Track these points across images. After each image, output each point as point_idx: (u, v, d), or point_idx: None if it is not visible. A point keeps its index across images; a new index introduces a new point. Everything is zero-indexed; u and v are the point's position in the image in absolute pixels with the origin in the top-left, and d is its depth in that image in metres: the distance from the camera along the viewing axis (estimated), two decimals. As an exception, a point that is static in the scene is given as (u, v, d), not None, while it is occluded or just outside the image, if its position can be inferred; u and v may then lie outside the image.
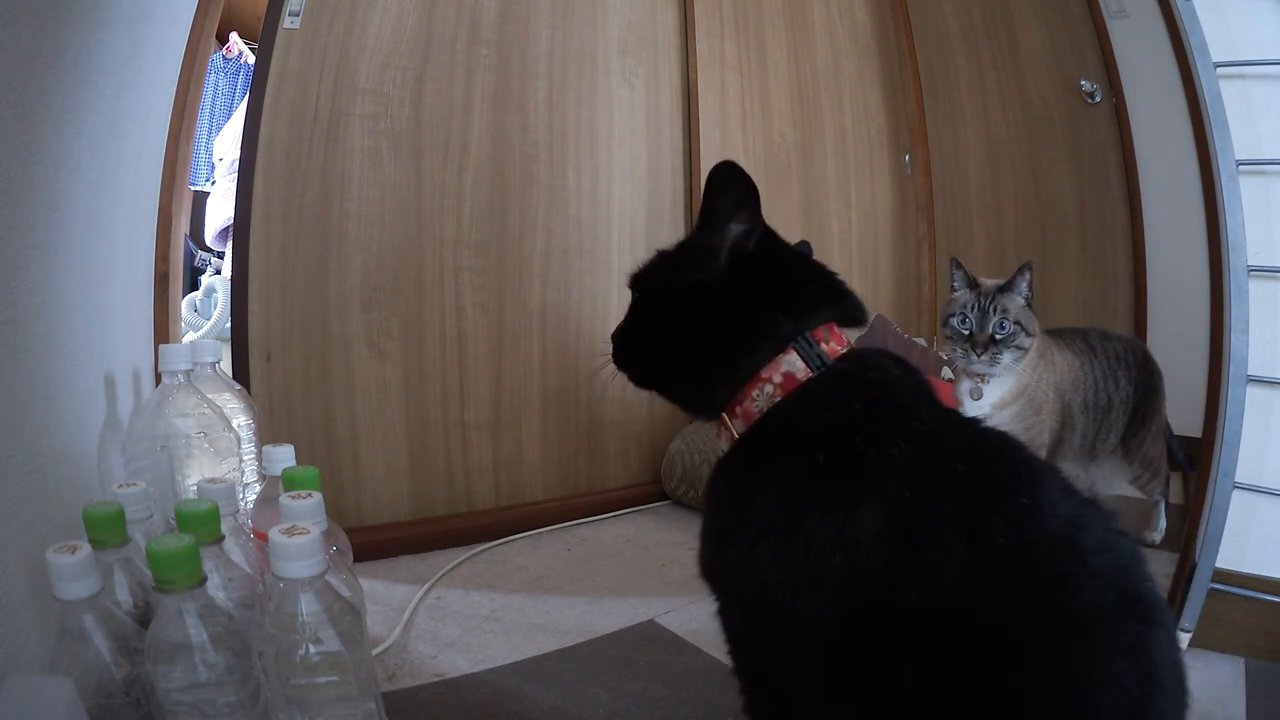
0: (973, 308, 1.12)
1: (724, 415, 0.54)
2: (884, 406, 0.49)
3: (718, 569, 0.52)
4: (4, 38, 0.55)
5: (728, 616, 0.53)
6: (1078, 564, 0.43)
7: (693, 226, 0.57)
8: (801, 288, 0.54)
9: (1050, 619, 0.41)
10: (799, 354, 0.51)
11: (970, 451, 0.48)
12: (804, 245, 0.60)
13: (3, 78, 0.55)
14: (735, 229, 0.53)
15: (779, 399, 0.51)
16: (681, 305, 0.55)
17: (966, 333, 1.12)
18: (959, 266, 1.17)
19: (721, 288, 0.53)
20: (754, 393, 0.52)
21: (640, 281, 0.60)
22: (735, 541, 0.49)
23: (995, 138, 2.24)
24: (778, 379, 0.51)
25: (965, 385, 1.18)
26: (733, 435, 0.53)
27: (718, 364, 0.53)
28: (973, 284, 1.15)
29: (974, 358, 1.12)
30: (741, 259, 0.53)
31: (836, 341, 0.53)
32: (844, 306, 0.55)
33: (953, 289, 1.18)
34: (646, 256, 0.62)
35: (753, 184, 0.53)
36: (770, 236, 0.56)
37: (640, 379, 0.60)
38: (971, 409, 1.16)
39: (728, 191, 0.53)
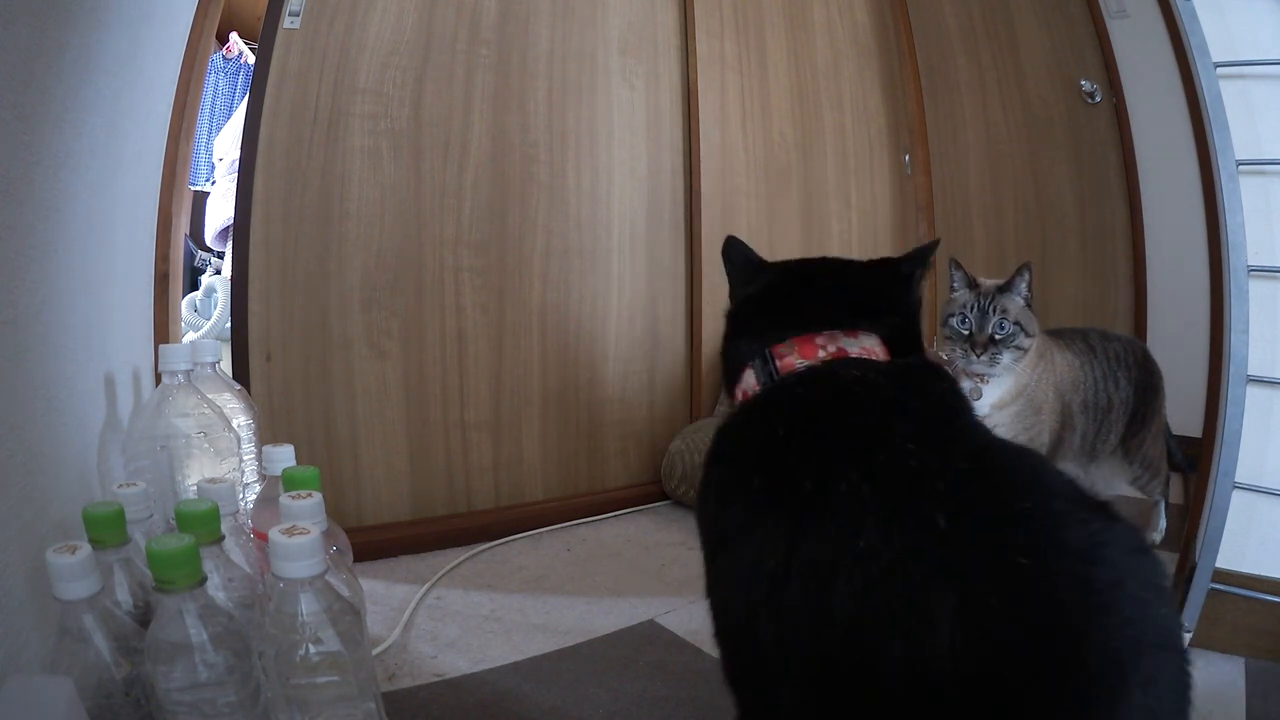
0: (972, 308, 1.12)
1: None
2: (815, 420, 0.48)
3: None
4: (4, 38, 0.55)
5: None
6: (1092, 611, 0.36)
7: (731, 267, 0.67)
8: (778, 308, 0.59)
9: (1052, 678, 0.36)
10: (753, 370, 0.56)
11: (951, 477, 0.41)
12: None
13: (3, 78, 0.55)
14: (736, 276, 0.65)
15: (734, 410, 0.56)
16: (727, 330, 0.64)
17: (966, 333, 1.12)
18: (959, 267, 1.17)
19: (729, 319, 0.64)
20: (730, 399, 0.58)
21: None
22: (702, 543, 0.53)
23: (995, 138, 2.24)
24: (738, 395, 0.57)
25: (964, 385, 1.18)
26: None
27: (726, 381, 0.61)
28: (972, 284, 1.15)
29: (973, 358, 1.11)
30: (743, 297, 0.63)
31: (802, 354, 0.53)
32: (830, 314, 0.55)
33: (952, 289, 1.18)
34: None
35: (740, 248, 0.67)
36: (780, 272, 0.64)
37: None
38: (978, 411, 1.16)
39: (730, 258, 0.67)
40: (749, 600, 0.43)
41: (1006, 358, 1.11)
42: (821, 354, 0.53)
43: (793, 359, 0.54)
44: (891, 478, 0.41)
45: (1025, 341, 1.12)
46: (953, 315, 1.14)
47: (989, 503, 0.40)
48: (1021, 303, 1.12)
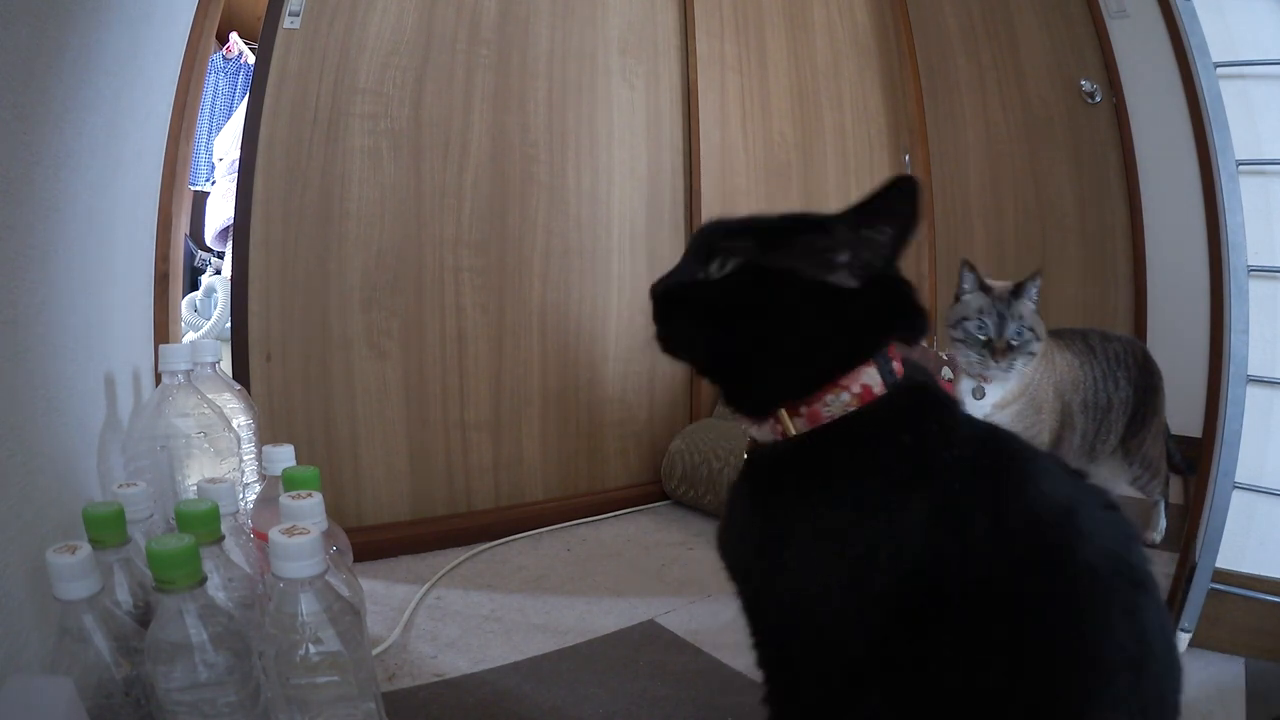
0: (990, 313, 1.12)
1: (782, 411, 0.53)
2: (943, 422, 0.52)
3: (762, 564, 0.52)
4: (4, 38, 0.55)
5: (763, 609, 0.54)
6: (1076, 534, 0.47)
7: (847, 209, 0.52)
8: (893, 305, 0.53)
9: (1056, 579, 0.46)
10: (877, 369, 0.53)
11: (991, 452, 0.51)
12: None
13: (3, 78, 0.55)
14: (873, 239, 0.51)
15: (854, 408, 0.52)
16: (793, 299, 0.52)
17: (984, 339, 1.12)
18: (971, 269, 1.16)
19: (838, 295, 0.52)
20: (828, 397, 0.52)
21: (769, 253, 0.53)
22: (795, 538, 0.50)
23: (995, 138, 2.24)
24: (856, 389, 0.52)
25: (967, 385, 1.18)
26: (787, 431, 0.53)
27: (798, 362, 0.52)
28: (984, 287, 1.15)
29: (992, 363, 1.11)
30: (867, 273, 0.52)
31: (896, 360, 0.54)
32: (914, 324, 0.54)
33: (962, 291, 1.17)
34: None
35: (918, 212, 0.51)
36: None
37: (689, 353, 0.56)
38: (973, 408, 1.16)
39: (897, 201, 0.51)
40: (865, 572, 0.47)
41: (1020, 363, 1.11)
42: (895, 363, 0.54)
43: (897, 365, 0.54)
44: (966, 449, 0.50)
45: (1037, 346, 1.12)
46: (967, 319, 1.14)
47: (1009, 454, 0.51)
48: (1033, 307, 1.13)
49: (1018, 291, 1.12)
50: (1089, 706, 0.45)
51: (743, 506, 0.55)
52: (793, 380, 0.53)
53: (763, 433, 0.55)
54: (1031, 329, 1.11)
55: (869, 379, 0.52)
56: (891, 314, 0.53)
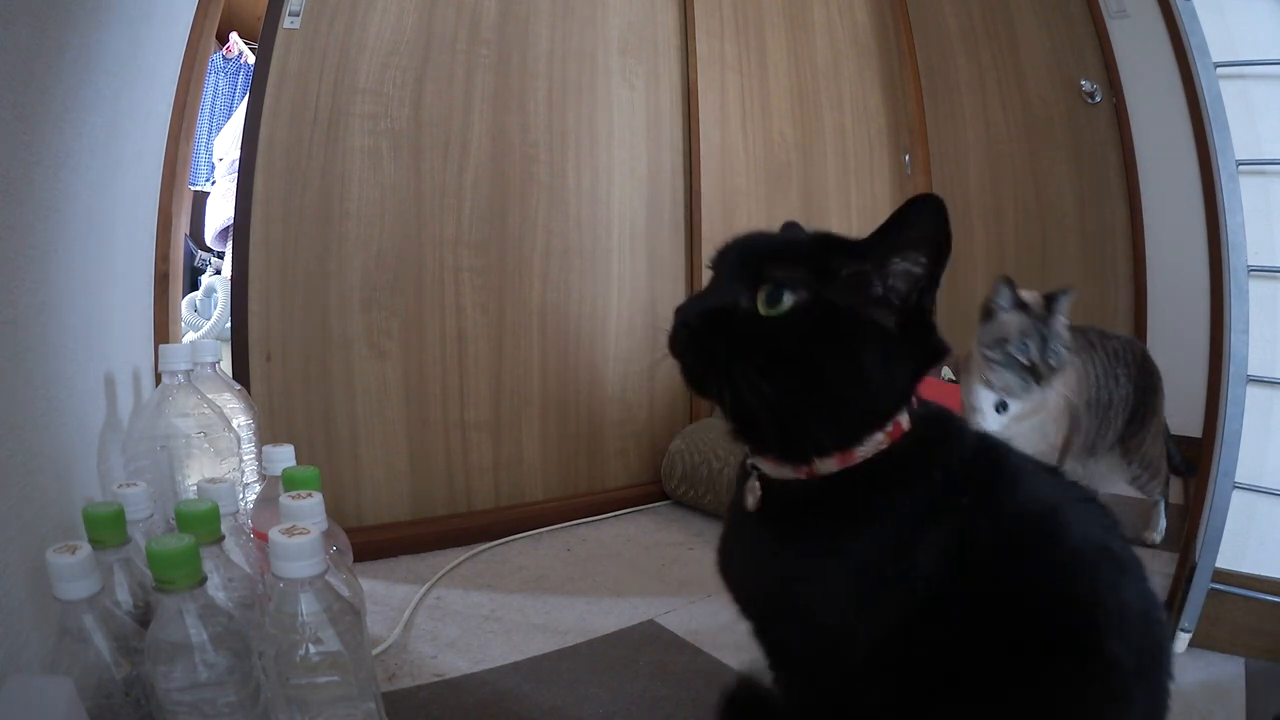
0: (1033, 335, 1.07)
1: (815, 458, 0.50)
2: (958, 450, 0.52)
3: (787, 600, 0.52)
4: (4, 38, 0.55)
5: (784, 636, 0.54)
6: (1062, 527, 0.50)
7: (872, 245, 0.49)
8: (926, 342, 0.51)
9: (1046, 567, 0.49)
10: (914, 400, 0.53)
11: (985, 464, 0.53)
12: (792, 226, 0.57)
13: (3, 78, 0.55)
14: (910, 270, 0.48)
15: (885, 446, 0.50)
16: (855, 343, 0.48)
17: (1026, 362, 1.08)
18: (1009, 285, 1.09)
19: (887, 335, 0.48)
20: (867, 439, 0.50)
21: (826, 286, 0.48)
22: (827, 575, 0.50)
23: (995, 138, 2.24)
24: (889, 427, 0.50)
25: (987, 398, 1.15)
26: (815, 472, 0.50)
27: (853, 411, 0.49)
28: (1020, 305, 1.09)
29: (1034, 386, 1.08)
30: (908, 310, 0.49)
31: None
32: (939, 361, 0.53)
33: (998, 308, 1.11)
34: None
35: (950, 236, 0.47)
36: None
37: (725, 393, 0.49)
38: (991, 421, 1.14)
39: (926, 224, 0.47)
40: (898, 598, 0.48)
41: (1056, 382, 1.10)
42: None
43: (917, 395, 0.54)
44: (977, 469, 0.52)
45: (1066, 364, 1.10)
46: (1007, 341, 1.08)
47: (1000, 463, 0.53)
48: (1066, 322, 1.10)
49: (1050, 305, 1.08)
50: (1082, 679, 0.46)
51: (763, 544, 0.53)
52: (844, 431, 0.49)
53: (782, 471, 0.51)
54: (1067, 347, 1.09)
55: (900, 416, 0.51)
56: (927, 353, 0.51)
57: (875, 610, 0.48)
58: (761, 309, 0.48)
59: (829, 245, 0.51)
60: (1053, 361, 1.08)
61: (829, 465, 0.50)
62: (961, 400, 1.22)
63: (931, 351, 0.51)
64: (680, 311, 0.50)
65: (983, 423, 1.16)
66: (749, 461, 0.55)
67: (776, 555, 0.53)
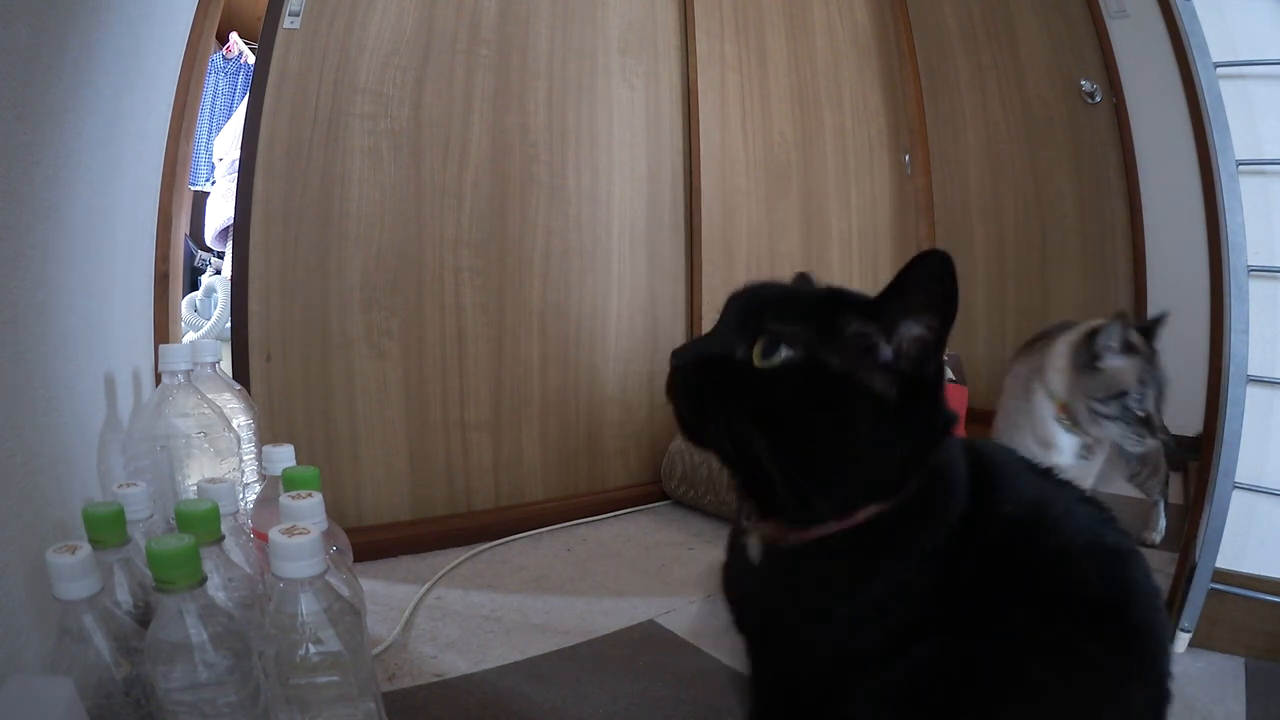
0: (1151, 384, 0.94)
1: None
2: (956, 504, 0.49)
3: (796, 649, 0.51)
4: (4, 38, 0.55)
5: (775, 667, 0.54)
6: (1049, 524, 0.50)
7: (877, 301, 0.47)
8: (935, 409, 0.49)
9: (1040, 550, 0.49)
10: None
11: (979, 474, 0.51)
12: (804, 278, 0.56)
13: (3, 78, 0.55)
14: (916, 334, 0.46)
15: (886, 508, 0.48)
16: (853, 409, 0.46)
17: (1143, 415, 0.95)
18: (1123, 326, 0.94)
19: (891, 408, 0.46)
20: (862, 508, 0.48)
21: (824, 344, 0.46)
22: (833, 618, 0.48)
23: (995, 138, 2.24)
24: (894, 498, 0.49)
25: (1072, 442, 1.04)
26: (813, 533, 0.48)
27: (855, 481, 0.47)
28: (1131, 348, 0.95)
29: (1149, 441, 0.95)
30: (914, 378, 0.47)
31: None
32: (950, 430, 0.52)
33: (1105, 352, 0.96)
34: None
35: (957, 297, 0.45)
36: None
37: (722, 448, 0.48)
38: (1068, 460, 1.05)
39: (934, 283, 0.45)
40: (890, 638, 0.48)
41: None
42: None
43: None
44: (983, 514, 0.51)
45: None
46: (1127, 394, 0.94)
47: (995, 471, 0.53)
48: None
49: (1150, 341, 0.95)
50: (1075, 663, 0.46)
51: (776, 591, 0.52)
52: (839, 499, 0.47)
53: (782, 533, 0.50)
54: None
55: (908, 484, 0.48)
56: (937, 422, 0.48)
57: (861, 666, 0.48)
58: (756, 360, 0.47)
59: (837, 302, 0.49)
60: (1164, 410, 0.94)
61: (827, 529, 0.48)
62: (1013, 423, 1.10)
63: (940, 424, 0.48)
64: (676, 355, 0.50)
65: (1057, 459, 1.04)
66: (744, 524, 0.53)
67: (790, 608, 0.51)
